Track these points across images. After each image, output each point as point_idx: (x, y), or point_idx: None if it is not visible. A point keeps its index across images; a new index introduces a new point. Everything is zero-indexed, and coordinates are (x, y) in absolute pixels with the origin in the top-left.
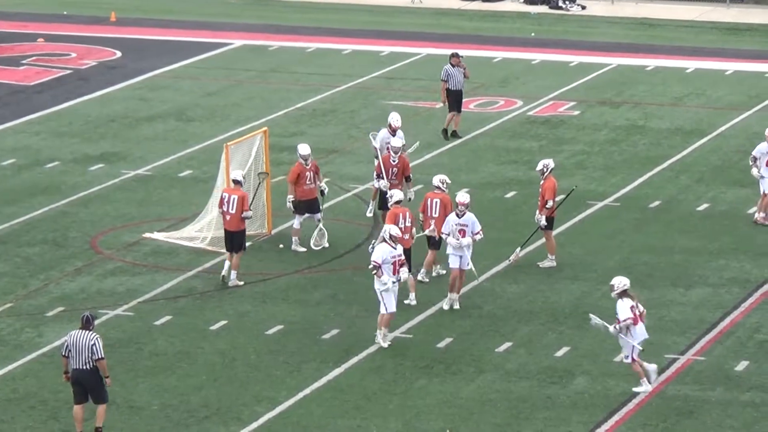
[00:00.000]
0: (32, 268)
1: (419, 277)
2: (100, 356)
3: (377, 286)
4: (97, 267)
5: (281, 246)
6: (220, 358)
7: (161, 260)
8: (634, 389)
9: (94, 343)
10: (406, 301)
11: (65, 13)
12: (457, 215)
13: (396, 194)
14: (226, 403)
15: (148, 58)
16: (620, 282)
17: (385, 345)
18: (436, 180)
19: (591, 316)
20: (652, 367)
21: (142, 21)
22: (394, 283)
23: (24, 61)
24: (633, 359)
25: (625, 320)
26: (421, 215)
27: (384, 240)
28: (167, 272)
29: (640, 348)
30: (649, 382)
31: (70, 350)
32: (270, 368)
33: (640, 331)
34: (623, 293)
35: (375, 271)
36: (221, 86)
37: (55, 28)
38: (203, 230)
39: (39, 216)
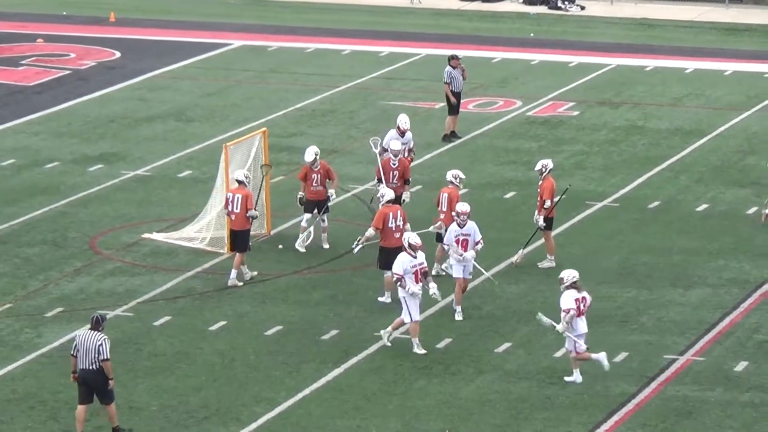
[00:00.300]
0: (31, 269)
1: (436, 271)
2: (105, 357)
3: (402, 294)
4: (96, 267)
5: (281, 246)
6: (219, 358)
7: (160, 261)
8: (566, 379)
9: (101, 344)
10: (380, 299)
11: (64, 13)
12: (459, 225)
13: (387, 194)
14: (226, 404)
15: (147, 58)
16: (569, 275)
17: (388, 343)
18: (449, 175)
19: (539, 315)
20: (601, 355)
21: (141, 21)
22: (419, 291)
23: (23, 62)
24: (577, 352)
25: (567, 310)
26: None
27: (403, 249)
28: (166, 273)
29: (583, 344)
30: (604, 367)
31: (78, 350)
32: (269, 369)
33: (581, 325)
34: (571, 285)
35: (399, 283)
36: (220, 86)
37: (54, 28)
38: (202, 231)
39: (38, 216)
